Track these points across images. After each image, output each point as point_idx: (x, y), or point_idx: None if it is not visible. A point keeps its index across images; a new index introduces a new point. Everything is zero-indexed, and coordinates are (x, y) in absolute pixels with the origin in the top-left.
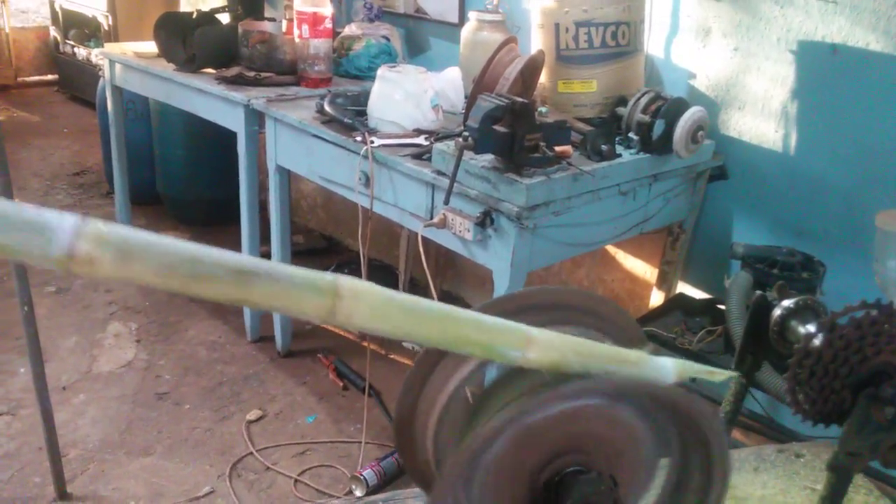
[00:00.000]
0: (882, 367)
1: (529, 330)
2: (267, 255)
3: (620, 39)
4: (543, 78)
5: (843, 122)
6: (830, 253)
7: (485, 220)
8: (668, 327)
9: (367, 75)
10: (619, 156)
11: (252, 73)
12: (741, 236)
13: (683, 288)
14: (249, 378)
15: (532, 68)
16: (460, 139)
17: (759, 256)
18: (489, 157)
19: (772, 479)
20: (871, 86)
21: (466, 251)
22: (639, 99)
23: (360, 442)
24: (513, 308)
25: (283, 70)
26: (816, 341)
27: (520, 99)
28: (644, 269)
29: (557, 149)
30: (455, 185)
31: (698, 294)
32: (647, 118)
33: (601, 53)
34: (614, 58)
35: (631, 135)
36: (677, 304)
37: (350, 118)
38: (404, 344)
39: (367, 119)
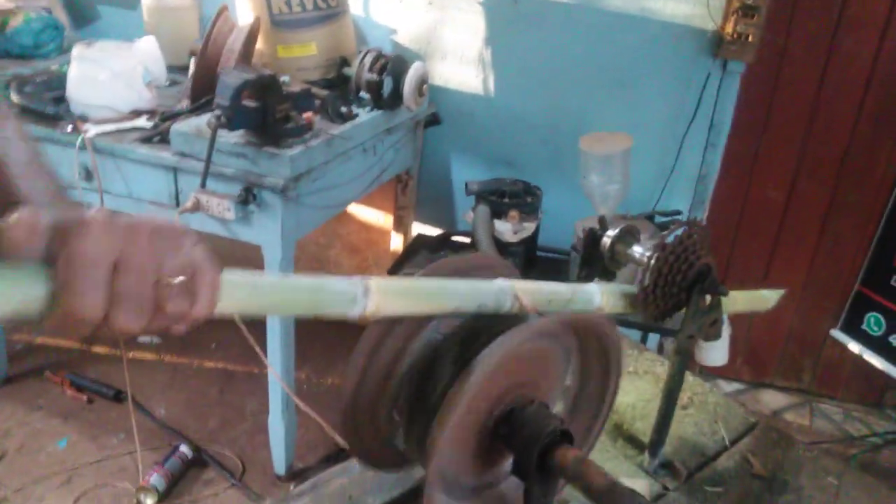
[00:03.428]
0: (703, 268)
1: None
2: None
3: (330, 1)
4: (260, 44)
5: (530, 64)
6: (543, 177)
7: (247, 197)
8: (418, 266)
9: (35, 54)
10: (357, 115)
11: None
12: (460, 174)
13: (418, 228)
14: None
15: (251, 37)
16: (212, 119)
17: (491, 190)
18: (240, 133)
19: None
20: (549, 30)
21: (228, 231)
22: (363, 58)
23: (133, 452)
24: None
25: None
26: (654, 260)
27: (267, 71)
28: (378, 217)
29: (305, 116)
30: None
31: (433, 231)
32: (375, 77)
33: (315, 16)
34: (328, 19)
35: (362, 94)
36: (419, 243)
37: (51, 106)
38: (140, 339)
39: (69, 105)
